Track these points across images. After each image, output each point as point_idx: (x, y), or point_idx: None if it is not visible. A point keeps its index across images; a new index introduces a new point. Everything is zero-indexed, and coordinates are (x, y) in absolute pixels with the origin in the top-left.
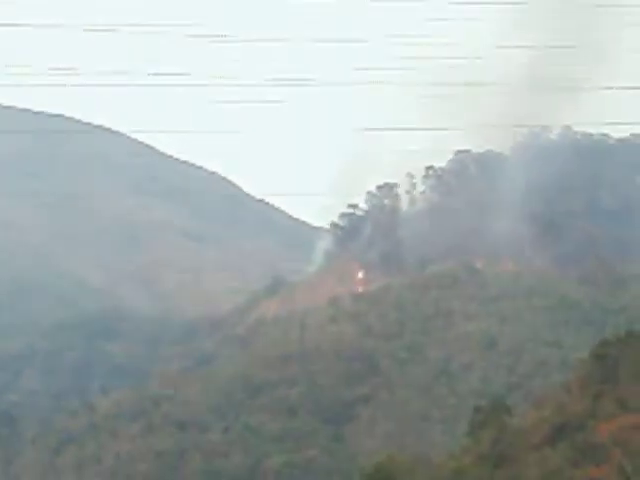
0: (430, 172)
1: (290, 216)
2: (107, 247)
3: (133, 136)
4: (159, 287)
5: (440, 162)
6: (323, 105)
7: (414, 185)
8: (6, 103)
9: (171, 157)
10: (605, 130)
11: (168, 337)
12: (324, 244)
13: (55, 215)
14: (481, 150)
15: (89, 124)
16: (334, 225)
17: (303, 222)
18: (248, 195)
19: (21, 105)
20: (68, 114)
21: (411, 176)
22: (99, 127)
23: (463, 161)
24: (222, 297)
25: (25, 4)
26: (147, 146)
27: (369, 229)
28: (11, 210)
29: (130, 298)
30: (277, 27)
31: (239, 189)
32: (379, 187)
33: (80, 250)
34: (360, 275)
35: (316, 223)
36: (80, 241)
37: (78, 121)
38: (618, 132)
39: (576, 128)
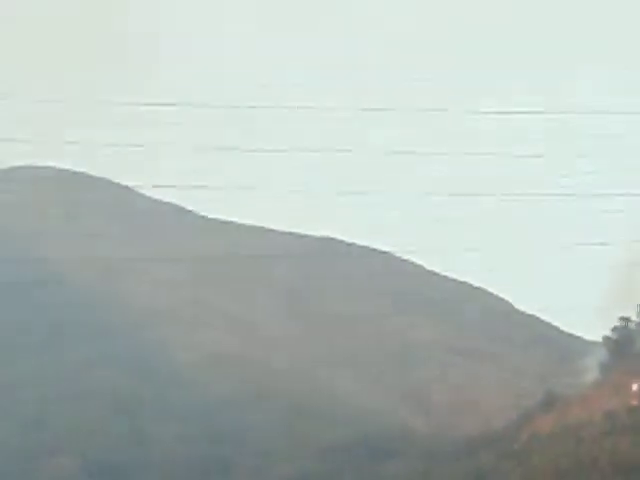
0: None
1: (560, 330)
2: (376, 367)
3: (397, 254)
4: (431, 404)
5: None
6: (580, 216)
7: None
8: (276, 228)
9: (436, 274)
10: None
11: (444, 454)
12: (597, 357)
13: (322, 336)
14: None
15: (354, 245)
16: (606, 338)
17: (574, 335)
18: (515, 309)
19: (288, 229)
20: (333, 236)
21: None
22: (365, 248)
23: None
24: (495, 412)
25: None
26: (411, 264)
27: None
28: (279, 332)
29: (402, 416)
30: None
31: (506, 303)
32: None
33: (349, 371)
34: (635, 387)
35: (587, 336)
36: (348, 362)
37: (343, 242)
38: None
39: None
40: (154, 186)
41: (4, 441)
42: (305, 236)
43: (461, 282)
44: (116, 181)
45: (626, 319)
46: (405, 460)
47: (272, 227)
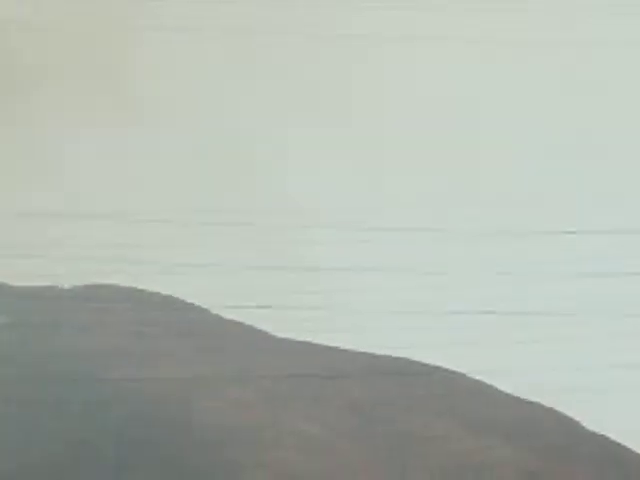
0: None
1: (632, 450)
2: None
3: (471, 375)
4: None
5: None
6: None
7: None
8: (351, 348)
9: (508, 395)
10: None
11: None
12: None
13: (393, 456)
14: None
15: (429, 365)
16: None
17: None
18: (585, 429)
19: (363, 349)
20: (408, 356)
21: None
22: (439, 368)
23: None
24: None
25: None
26: (487, 385)
27: None
28: (350, 451)
29: None
30: None
31: (576, 423)
32: None
33: None
34: None
35: None
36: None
37: (418, 363)
38: None
39: None
40: (226, 307)
41: None
42: (380, 356)
43: (532, 402)
44: (184, 299)
45: None
46: None
47: (346, 347)
